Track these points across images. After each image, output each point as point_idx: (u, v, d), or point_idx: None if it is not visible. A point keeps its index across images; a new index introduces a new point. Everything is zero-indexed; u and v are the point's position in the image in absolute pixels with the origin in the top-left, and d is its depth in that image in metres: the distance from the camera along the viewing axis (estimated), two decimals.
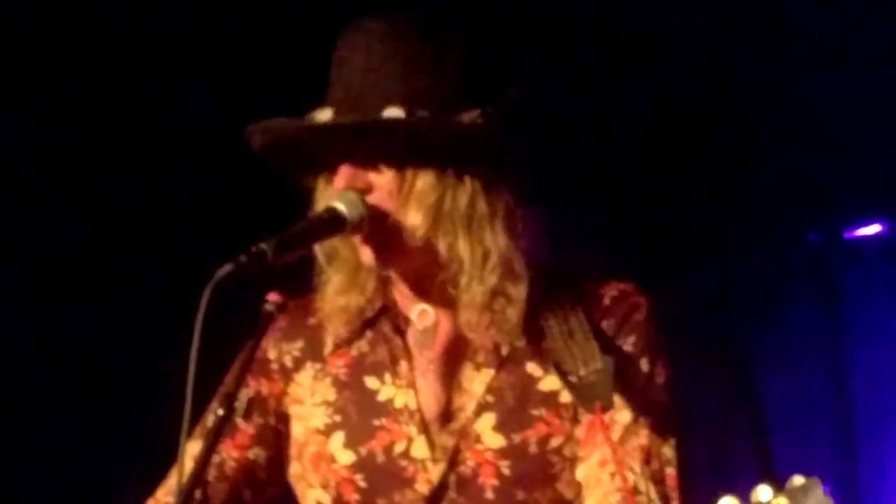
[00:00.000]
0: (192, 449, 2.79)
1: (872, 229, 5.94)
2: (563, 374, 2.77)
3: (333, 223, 2.73)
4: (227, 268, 2.53)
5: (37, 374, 5.14)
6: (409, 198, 2.75)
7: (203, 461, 2.57)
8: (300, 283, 2.88)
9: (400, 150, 2.75)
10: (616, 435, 2.79)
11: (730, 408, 6.01)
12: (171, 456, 2.69)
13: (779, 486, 2.28)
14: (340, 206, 2.73)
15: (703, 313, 5.86)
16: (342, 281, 2.86)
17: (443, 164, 2.75)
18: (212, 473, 2.89)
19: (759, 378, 6.06)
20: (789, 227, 5.92)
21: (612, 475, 2.75)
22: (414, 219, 2.75)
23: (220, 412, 2.58)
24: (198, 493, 2.86)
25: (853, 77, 5.33)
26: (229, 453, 2.92)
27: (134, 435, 4.90)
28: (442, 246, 2.77)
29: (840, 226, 5.96)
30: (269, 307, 2.66)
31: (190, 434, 2.84)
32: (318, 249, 2.84)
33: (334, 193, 2.79)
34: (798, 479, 2.25)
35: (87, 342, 5.16)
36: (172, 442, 2.53)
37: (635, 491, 2.75)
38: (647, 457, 2.78)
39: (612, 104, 5.40)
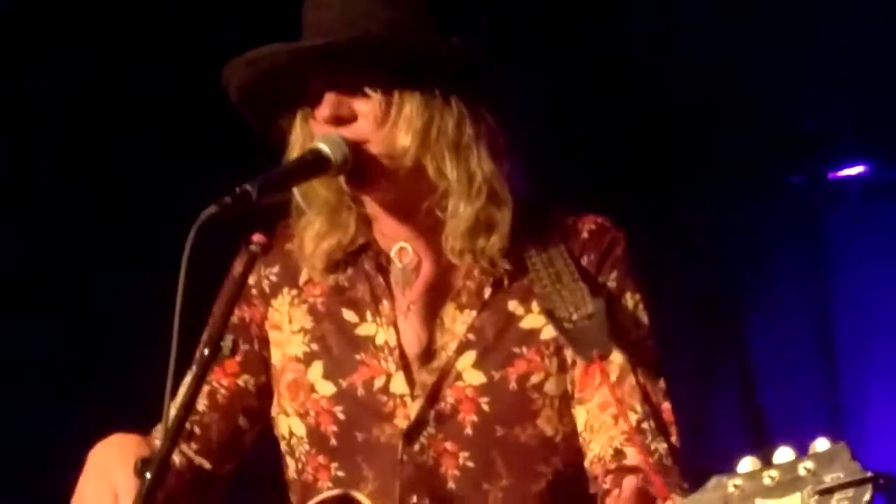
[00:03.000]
0: (186, 381, 2.81)
1: (855, 170, 5.96)
2: (556, 322, 2.78)
3: (317, 164, 2.73)
4: (211, 209, 2.54)
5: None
6: (398, 122, 2.75)
7: (190, 397, 2.56)
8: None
9: (386, 74, 2.75)
10: (613, 375, 2.80)
11: (715, 350, 6.03)
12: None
13: (801, 448, 2.15)
14: (324, 147, 2.73)
15: (688, 257, 5.87)
16: (322, 223, 2.87)
17: (430, 87, 2.76)
18: (203, 403, 2.91)
19: (745, 320, 6.09)
20: (772, 169, 5.93)
21: (615, 417, 2.78)
22: (403, 141, 2.75)
23: (206, 352, 2.58)
24: (196, 429, 2.90)
25: (834, 21, 5.34)
26: (220, 382, 2.94)
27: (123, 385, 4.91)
28: (430, 169, 2.77)
29: (823, 168, 5.98)
30: (253, 248, 2.65)
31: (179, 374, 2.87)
32: (297, 191, 2.84)
33: (316, 132, 2.79)
34: (822, 443, 2.12)
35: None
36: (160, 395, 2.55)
37: (638, 430, 2.77)
38: (645, 395, 2.80)
39: (593, 47, 5.40)
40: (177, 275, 2.49)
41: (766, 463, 2.15)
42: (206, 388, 2.89)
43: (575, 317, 2.77)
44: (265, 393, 2.96)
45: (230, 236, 2.67)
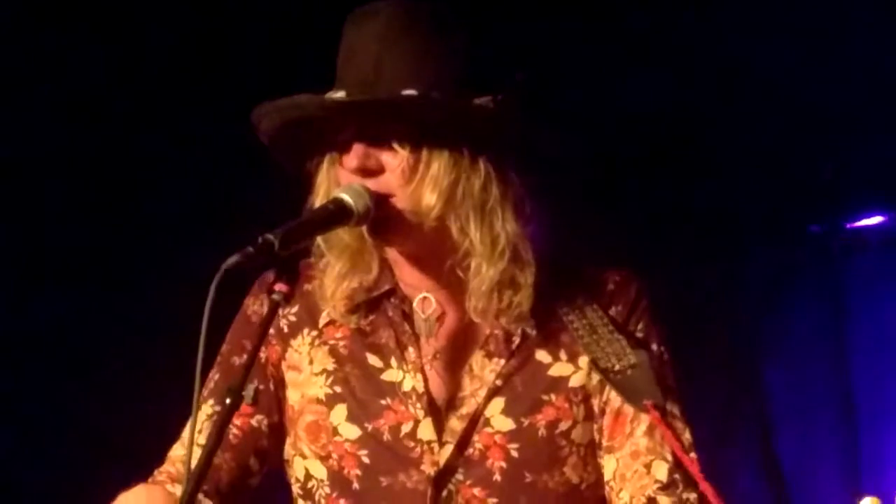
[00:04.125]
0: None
1: (874, 220, 5.97)
2: (604, 373, 2.81)
3: (340, 214, 2.74)
4: (234, 258, 2.54)
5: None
6: (425, 179, 2.76)
7: (213, 444, 2.55)
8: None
9: (416, 130, 2.76)
10: (644, 425, 2.83)
11: (734, 397, 6.02)
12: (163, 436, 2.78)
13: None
14: (346, 198, 2.74)
15: (708, 304, 5.88)
16: (344, 265, 2.88)
17: (458, 147, 2.77)
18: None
19: (763, 367, 6.09)
20: (792, 218, 5.94)
21: (647, 466, 2.80)
22: (429, 199, 2.76)
23: (228, 401, 2.57)
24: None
25: (855, 70, 5.35)
26: (233, 422, 2.89)
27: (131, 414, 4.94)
28: (454, 229, 2.78)
29: (842, 217, 5.99)
30: (275, 297, 2.66)
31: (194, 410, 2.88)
32: (320, 239, 2.85)
33: (342, 179, 2.80)
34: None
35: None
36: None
37: (671, 480, 2.79)
38: (674, 444, 2.80)
39: (616, 99, 5.41)
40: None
41: None
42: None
43: (618, 367, 2.80)
44: (278, 434, 2.96)
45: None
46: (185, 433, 2.92)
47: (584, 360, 2.86)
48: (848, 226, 5.98)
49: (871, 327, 5.96)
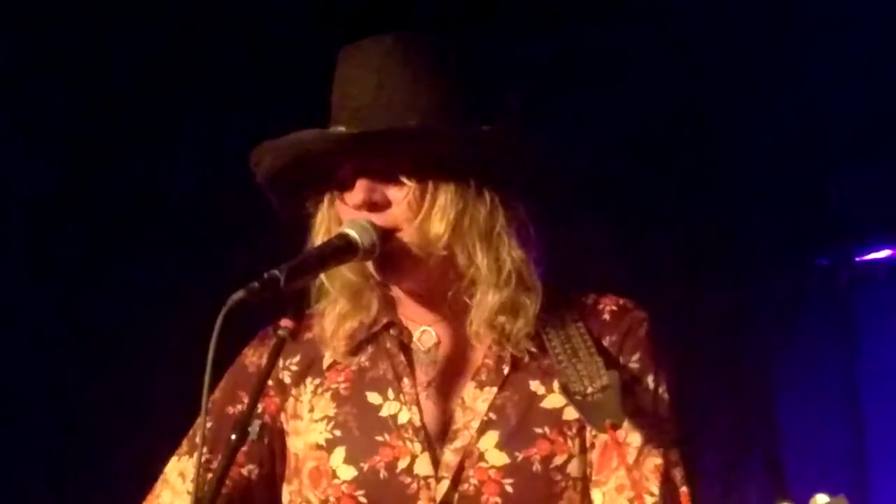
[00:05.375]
0: (181, 467, 2.91)
1: (883, 254, 5.97)
2: (570, 395, 2.78)
3: (345, 250, 2.74)
4: (240, 294, 2.56)
5: None
6: (432, 210, 2.75)
7: (217, 484, 2.58)
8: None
9: (421, 162, 2.76)
10: (631, 458, 2.80)
11: (744, 428, 6.02)
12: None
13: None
14: (352, 233, 2.74)
15: (718, 336, 5.87)
16: (345, 304, 2.88)
17: (464, 176, 2.77)
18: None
19: (773, 399, 6.08)
20: (800, 251, 5.93)
21: (631, 501, 2.78)
22: (437, 230, 2.75)
23: (233, 437, 2.60)
24: None
25: (865, 101, 5.36)
26: None
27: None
28: (460, 258, 2.78)
29: (850, 250, 5.99)
30: (281, 333, 2.68)
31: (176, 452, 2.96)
32: (323, 274, 2.84)
33: (344, 216, 2.80)
34: (822, 498, 2.15)
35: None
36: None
37: None
38: (663, 477, 2.80)
39: (624, 124, 5.43)
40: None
41: None
42: (206, 477, 2.78)
43: (590, 390, 2.77)
44: (268, 484, 2.95)
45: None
46: (177, 481, 2.93)
47: (556, 385, 2.84)
48: (856, 259, 5.99)
49: (880, 361, 5.96)
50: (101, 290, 5.15)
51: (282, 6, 5.10)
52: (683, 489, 2.80)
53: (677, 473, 2.81)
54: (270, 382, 2.93)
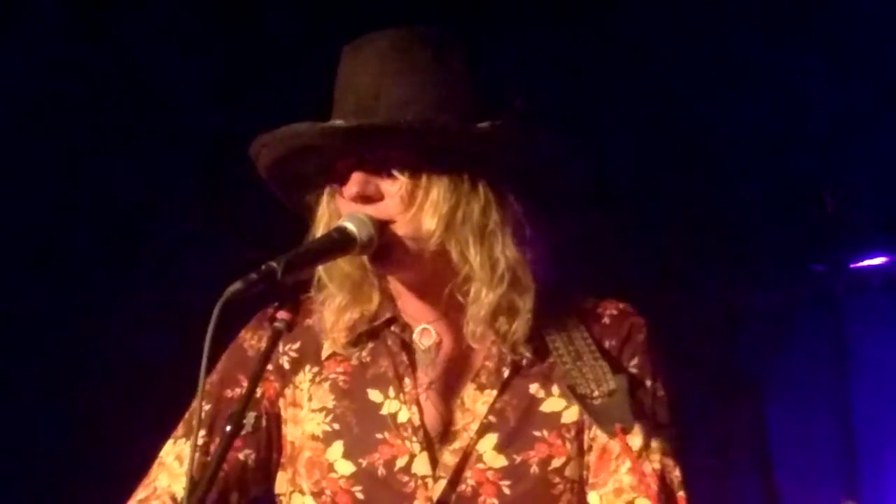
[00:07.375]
0: (177, 450, 2.90)
1: (877, 260, 5.99)
2: (579, 399, 2.78)
3: (343, 243, 2.74)
4: (237, 285, 2.55)
5: None
6: (424, 205, 2.76)
7: (213, 473, 2.58)
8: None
9: (415, 156, 2.76)
10: (628, 462, 2.79)
11: (736, 434, 6.04)
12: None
13: None
14: (350, 226, 2.75)
15: (712, 340, 5.90)
16: (345, 297, 2.88)
17: (458, 172, 2.77)
18: (199, 475, 2.81)
19: (766, 405, 6.10)
20: (795, 257, 5.96)
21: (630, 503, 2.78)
22: (428, 224, 2.76)
23: (228, 429, 2.58)
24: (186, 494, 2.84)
25: (860, 110, 5.38)
26: None
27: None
28: (454, 253, 2.78)
29: (845, 257, 6.01)
30: (278, 325, 2.66)
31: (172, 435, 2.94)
32: (320, 266, 2.85)
33: (343, 209, 2.81)
34: None
35: None
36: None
37: None
38: (661, 482, 2.79)
39: (624, 127, 5.44)
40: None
41: None
42: (204, 460, 2.85)
43: (597, 393, 2.78)
44: (263, 469, 2.94)
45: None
46: (174, 464, 2.92)
47: (557, 388, 2.84)
48: (851, 265, 6.01)
49: (873, 366, 5.99)
50: (102, 289, 5.16)
51: (282, 6, 5.12)
52: (681, 494, 2.81)
53: (675, 478, 2.82)
54: (271, 367, 2.93)
